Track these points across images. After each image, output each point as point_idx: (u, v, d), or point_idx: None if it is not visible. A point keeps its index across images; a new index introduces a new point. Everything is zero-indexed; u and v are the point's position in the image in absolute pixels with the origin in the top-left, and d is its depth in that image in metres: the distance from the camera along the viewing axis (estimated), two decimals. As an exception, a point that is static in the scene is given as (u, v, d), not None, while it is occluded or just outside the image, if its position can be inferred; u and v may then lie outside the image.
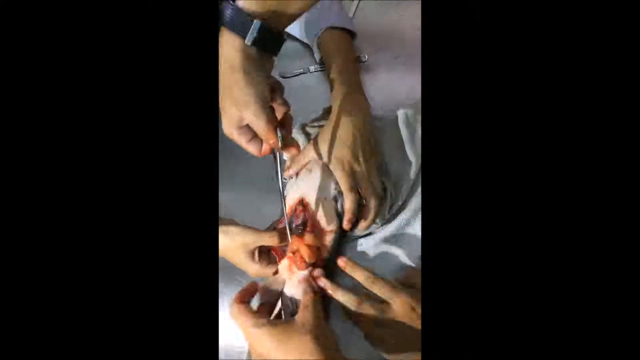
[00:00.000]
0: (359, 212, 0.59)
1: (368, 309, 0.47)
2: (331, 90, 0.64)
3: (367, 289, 0.48)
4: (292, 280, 0.51)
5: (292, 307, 0.50)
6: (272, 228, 0.56)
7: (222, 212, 0.51)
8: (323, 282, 0.50)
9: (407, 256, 0.60)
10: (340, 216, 0.59)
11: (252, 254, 0.54)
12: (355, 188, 0.58)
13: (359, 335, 0.50)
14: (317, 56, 0.74)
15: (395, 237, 0.61)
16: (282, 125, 0.49)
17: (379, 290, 0.48)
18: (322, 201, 0.58)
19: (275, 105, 0.48)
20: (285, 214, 0.54)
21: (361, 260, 0.61)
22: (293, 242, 0.53)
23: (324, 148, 0.59)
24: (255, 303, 0.49)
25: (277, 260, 0.55)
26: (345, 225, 0.57)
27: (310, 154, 0.60)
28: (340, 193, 0.59)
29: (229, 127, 0.46)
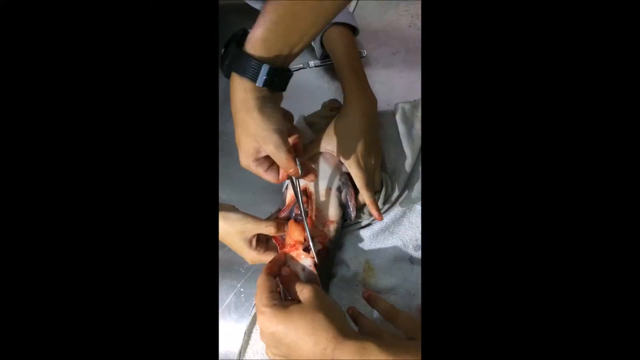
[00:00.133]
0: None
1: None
2: (341, 85, 0.65)
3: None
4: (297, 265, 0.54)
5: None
6: (274, 217, 0.57)
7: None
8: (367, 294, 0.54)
9: (403, 247, 0.60)
10: (343, 207, 0.60)
11: (250, 241, 0.55)
12: (370, 184, 0.60)
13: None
14: (318, 52, 0.75)
15: (392, 228, 0.62)
16: (297, 153, 0.51)
17: (402, 324, 0.49)
18: (326, 191, 0.59)
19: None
20: (301, 207, 0.55)
21: (359, 251, 0.62)
22: (292, 232, 0.54)
23: (335, 141, 0.60)
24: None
25: (278, 248, 0.56)
26: (378, 216, 0.60)
27: (320, 144, 0.61)
28: (344, 184, 0.60)
29: (246, 159, 0.48)
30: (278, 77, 0.44)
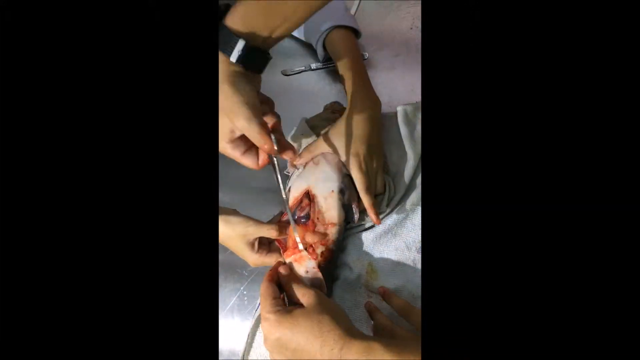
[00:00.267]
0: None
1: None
2: (344, 87, 0.65)
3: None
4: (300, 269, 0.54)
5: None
6: (277, 220, 0.57)
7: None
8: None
9: (406, 249, 0.60)
10: (345, 209, 0.60)
11: (252, 244, 0.55)
12: (371, 188, 0.59)
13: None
14: (320, 55, 0.75)
15: (395, 230, 0.62)
16: (274, 131, 0.49)
17: (416, 320, 0.49)
18: (328, 194, 0.59)
19: (266, 118, 0.48)
20: (288, 209, 0.55)
21: (362, 253, 0.61)
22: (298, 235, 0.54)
23: (338, 142, 0.60)
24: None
25: (281, 251, 0.56)
26: (376, 220, 0.59)
27: (323, 146, 0.61)
28: (347, 186, 0.59)
29: (221, 141, 0.45)
30: (254, 57, 0.43)
